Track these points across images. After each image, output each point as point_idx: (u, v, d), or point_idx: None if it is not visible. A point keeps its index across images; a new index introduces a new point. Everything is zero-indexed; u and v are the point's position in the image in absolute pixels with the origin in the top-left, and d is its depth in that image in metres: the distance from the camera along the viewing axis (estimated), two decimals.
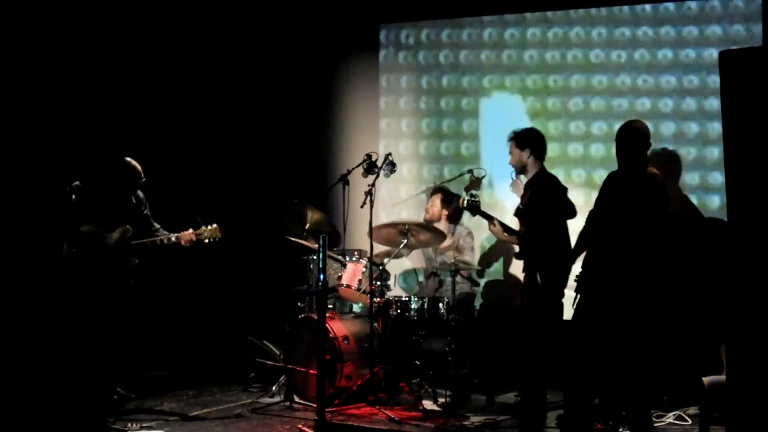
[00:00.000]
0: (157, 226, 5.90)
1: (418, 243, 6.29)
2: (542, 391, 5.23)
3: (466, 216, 6.84)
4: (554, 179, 5.45)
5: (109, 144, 6.28)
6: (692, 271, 5.61)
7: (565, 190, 5.42)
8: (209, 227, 5.71)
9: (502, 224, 5.52)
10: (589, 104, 6.78)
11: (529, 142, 5.43)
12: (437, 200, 6.63)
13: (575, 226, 5.27)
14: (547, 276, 5.16)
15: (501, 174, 6.92)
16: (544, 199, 5.29)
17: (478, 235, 6.80)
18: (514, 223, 5.60)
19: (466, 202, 5.59)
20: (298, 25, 7.66)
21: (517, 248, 5.62)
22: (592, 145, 6.74)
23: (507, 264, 6.98)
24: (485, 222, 5.63)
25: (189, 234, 5.68)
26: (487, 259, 7.04)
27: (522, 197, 5.49)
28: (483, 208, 5.65)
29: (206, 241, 5.71)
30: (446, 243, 6.46)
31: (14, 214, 6.00)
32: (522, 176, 5.57)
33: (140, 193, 5.86)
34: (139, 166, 5.76)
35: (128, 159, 5.76)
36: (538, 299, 5.19)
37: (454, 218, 6.65)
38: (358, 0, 7.57)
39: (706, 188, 6.30)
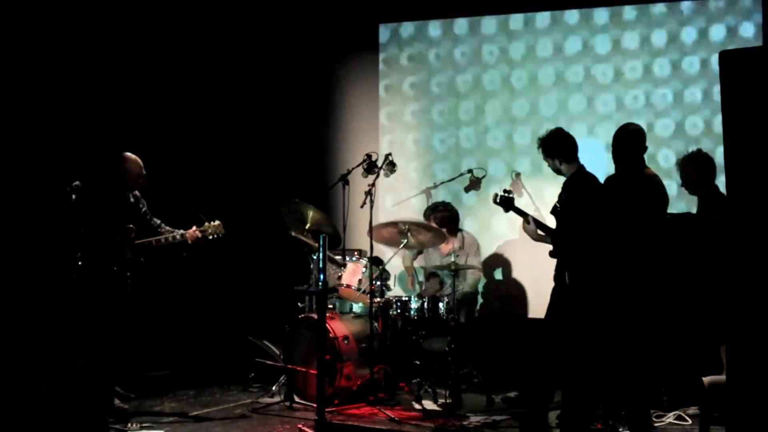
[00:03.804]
0: (158, 221, 5.88)
1: (418, 243, 6.28)
2: (551, 391, 5.21)
3: (469, 225, 6.84)
4: (592, 179, 5.23)
5: (110, 143, 6.27)
6: (691, 271, 5.60)
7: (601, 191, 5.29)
8: (213, 223, 5.72)
9: (537, 221, 5.32)
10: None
11: (555, 149, 5.25)
12: (433, 222, 6.59)
13: None
14: (574, 276, 5.08)
15: (501, 174, 6.98)
16: (580, 199, 5.18)
17: (480, 240, 6.81)
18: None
19: (498, 197, 5.38)
20: (298, 25, 7.65)
21: (550, 247, 5.46)
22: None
23: (507, 265, 7.00)
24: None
25: (195, 231, 5.69)
26: (489, 261, 7.04)
27: (559, 196, 5.37)
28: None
29: (210, 237, 5.71)
30: (446, 247, 6.49)
31: (15, 215, 5.99)
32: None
33: (137, 192, 5.85)
34: (139, 160, 5.75)
35: (128, 153, 5.75)
36: (567, 299, 5.11)
37: (452, 230, 6.63)
38: None
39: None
